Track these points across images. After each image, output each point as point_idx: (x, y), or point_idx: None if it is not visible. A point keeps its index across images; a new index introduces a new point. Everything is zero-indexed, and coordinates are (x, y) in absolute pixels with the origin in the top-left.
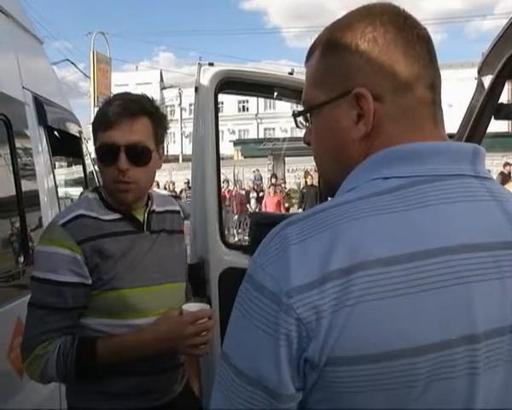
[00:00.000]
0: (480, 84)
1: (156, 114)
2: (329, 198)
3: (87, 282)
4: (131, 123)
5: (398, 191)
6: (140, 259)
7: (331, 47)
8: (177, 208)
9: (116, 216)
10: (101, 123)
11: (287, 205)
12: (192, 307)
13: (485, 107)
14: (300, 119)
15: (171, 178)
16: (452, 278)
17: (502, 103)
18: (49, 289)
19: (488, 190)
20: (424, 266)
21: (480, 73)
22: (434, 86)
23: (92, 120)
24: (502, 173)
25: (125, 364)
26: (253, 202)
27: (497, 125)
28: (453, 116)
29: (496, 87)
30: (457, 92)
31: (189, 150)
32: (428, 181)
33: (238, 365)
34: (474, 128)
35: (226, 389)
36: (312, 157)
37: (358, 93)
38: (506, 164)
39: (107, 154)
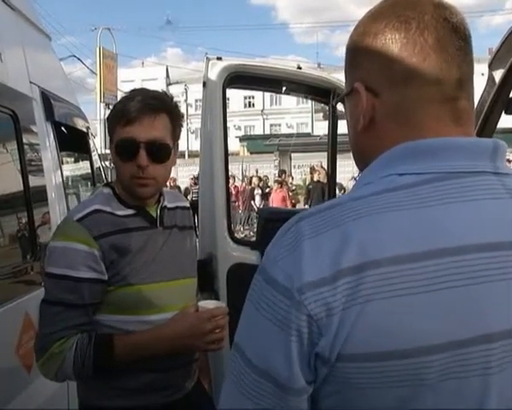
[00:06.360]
0: (491, 79)
1: (175, 111)
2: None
3: (104, 278)
4: (152, 119)
5: (412, 188)
6: (155, 254)
7: (349, 43)
8: (187, 204)
9: (130, 212)
10: (121, 118)
11: (293, 201)
12: (208, 304)
13: (496, 101)
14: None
15: (177, 174)
16: (466, 277)
17: None
18: (65, 286)
19: (506, 188)
20: (437, 265)
21: (491, 67)
22: (452, 80)
23: (108, 115)
24: None
25: (139, 361)
26: (257, 198)
27: (504, 121)
28: None
29: (507, 82)
30: None
31: (194, 146)
32: (446, 178)
33: (249, 356)
34: (484, 123)
35: (237, 380)
36: (318, 153)
37: (354, 88)
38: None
39: (126, 149)
